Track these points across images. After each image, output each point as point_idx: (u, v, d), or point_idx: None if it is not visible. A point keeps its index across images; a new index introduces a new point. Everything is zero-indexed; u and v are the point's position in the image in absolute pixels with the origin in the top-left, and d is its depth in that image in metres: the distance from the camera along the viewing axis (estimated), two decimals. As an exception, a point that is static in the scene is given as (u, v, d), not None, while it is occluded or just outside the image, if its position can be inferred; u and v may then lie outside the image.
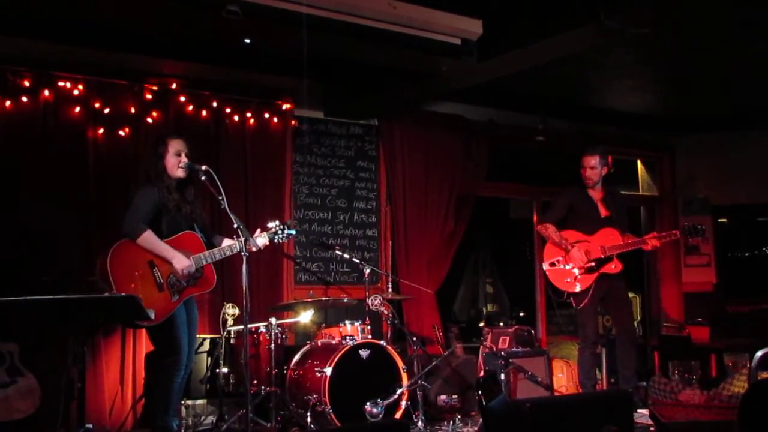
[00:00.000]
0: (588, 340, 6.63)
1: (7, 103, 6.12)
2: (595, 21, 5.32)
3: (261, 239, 5.39)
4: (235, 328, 6.06)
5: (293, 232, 5.65)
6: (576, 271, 6.50)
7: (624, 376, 6.59)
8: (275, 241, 5.50)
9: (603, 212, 6.65)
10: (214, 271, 5.30)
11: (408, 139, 8.01)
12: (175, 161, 5.24)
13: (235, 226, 5.02)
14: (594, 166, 6.62)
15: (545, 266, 6.65)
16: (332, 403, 5.53)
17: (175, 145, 5.26)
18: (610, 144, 8.00)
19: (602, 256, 6.45)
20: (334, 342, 6.04)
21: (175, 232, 5.18)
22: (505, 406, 3.38)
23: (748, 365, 5.60)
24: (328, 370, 5.60)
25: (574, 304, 6.57)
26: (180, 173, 5.26)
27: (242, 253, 4.99)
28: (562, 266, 6.55)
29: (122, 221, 5.07)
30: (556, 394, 6.87)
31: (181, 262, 5.09)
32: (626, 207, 6.98)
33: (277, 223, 5.49)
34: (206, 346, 6.24)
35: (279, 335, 6.06)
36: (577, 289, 6.51)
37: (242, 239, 5.01)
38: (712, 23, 6.11)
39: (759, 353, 5.03)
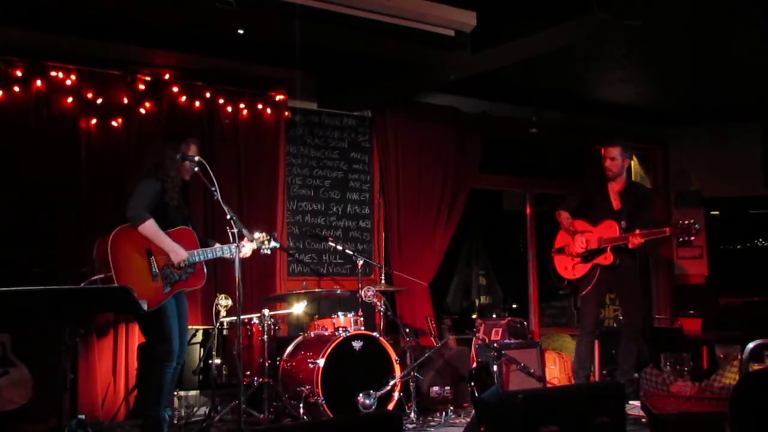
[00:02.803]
0: (586, 329, 6.73)
1: (-1, 93, 6.11)
2: (588, 13, 5.32)
3: (246, 248, 5.42)
4: (228, 319, 6.06)
5: (277, 245, 5.68)
6: (574, 259, 6.69)
7: (622, 369, 6.68)
8: (262, 251, 5.53)
9: (616, 205, 6.70)
10: (205, 268, 5.33)
11: (401, 130, 8.00)
12: (189, 167, 5.31)
13: (228, 217, 5.03)
14: (614, 158, 6.67)
15: (553, 252, 6.87)
16: (325, 395, 5.54)
17: (193, 152, 5.34)
18: (604, 136, 7.99)
19: (597, 247, 6.52)
20: (326, 333, 6.05)
21: (171, 227, 5.20)
22: (497, 398, 3.38)
23: (740, 357, 5.62)
24: (321, 362, 5.61)
25: (579, 292, 6.74)
26: (187, 177, 5.36)
27: (229, 257, 5.06)
28: (567, 253, 6.76)
29: (126, 207, 5.09)
30: (549, 385, 6.89)
31: (178, 255, 5.11)
32: (647, 202, 6.93)
33: (264, 234, 5.51)
34: (199, 337, 6.24)
35: (272, 326, 6.06)
36: (574, 276, 6.70)
37: (234, 245, 5.07)
38: (705, 15, 6.11)
39: (750, 345, 5.05)
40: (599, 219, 6.68)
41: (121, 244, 4.99)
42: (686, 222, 6.26)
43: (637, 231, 6.41)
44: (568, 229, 6.75)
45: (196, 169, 5.21)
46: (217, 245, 5.39)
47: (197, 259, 5.23)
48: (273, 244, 5.51)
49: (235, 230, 5.04)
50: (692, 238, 6.30)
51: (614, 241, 6.50)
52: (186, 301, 5.42)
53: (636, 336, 6.75)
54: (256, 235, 5.46)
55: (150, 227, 5.05)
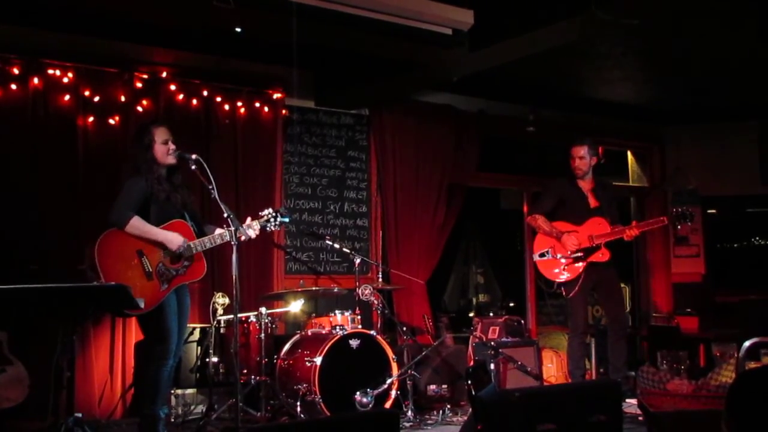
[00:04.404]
0: (577, 329, 6.67)
1: (-4, 90, 6.10)
2: (586, 11, 5.32)
3: (251, 230, 5.33)
4: (225, 317, 6.05)
5: (287, 219, 5.57)
6: (564, 261, 6.54)
7: (614, 366, 6.63)
8: (267, 228, 5.43)
9: (593, 203, 6.67)
10: (204, 259, 5.26)
11: (399, 129, 8.00)
12: (164, 149, 5.18)
13: (225, 215, 5.00)
14: (582, 156, 6.65)
15: (535, 257, 6.69)
16: (322, 393, 5.53)
17: (161, 134, 5.19)
18: (601, 135, 8.03)
19: (590, 245, 6.49)
20: (324, 332, 6.04)
21: (164, 221, 5.14)
22: (494, 396, 3.38)
23: (736, 355, 5.64)
24: (318, 360, 5.60)
25: (564, 293, 6.61)
26: (171, 161, 5.20)
27: (232, 243, 4.97)
28: (551, 256, 6.60)
29: (109, 211, 5.04)
30: (546, 383, 6.90)
31: (173, 242, 5.04)
32: (614, 197, 6.96)
33: (270, 210, 5.44)
34: (196, 335, 6.24)
35: (269, 325, 6.06)
36: (565, 278, 6.56)
37: (232, 228, 4.99)
38: (702, 14, 6.12)
39: (747, 343, 5.06)
40: (581, 218, 6.61)
41: (107, 249, 4.94)
42: (680, 209, 6.26)
43: (634, 223, 6.43)
44: (550, 232, 6.62)
45: (193, 167, 5.15)
46: (218, 230, 5.29)
47: (194, 252, 5.15)
48: (281, 219, 5.41)
49: (232, 228, 5.02)
50: (689, 223, 6.29)
51: (608, 237, 6.47)
52: (188, 298, 5.36)
53: (624, 333, 6.75)
54: (262, 212, 5.41)
55: (136, 225, 4.99)
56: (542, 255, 6.66)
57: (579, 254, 6.51)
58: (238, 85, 7.11)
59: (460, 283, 10.29)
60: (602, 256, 6.51)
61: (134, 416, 5.86)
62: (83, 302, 4.50)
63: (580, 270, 6.54)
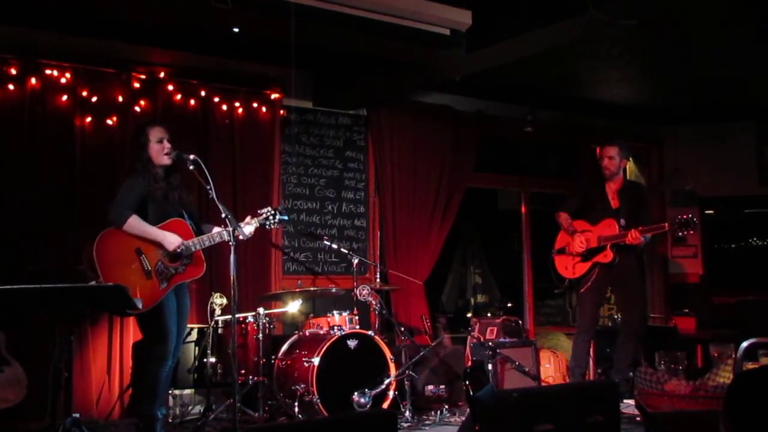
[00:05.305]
0: (582, 326, 6.75)
1: (-6, 90, 6.09)
2: (584, 12, 5.32)
3: (249, 227, 5.33)
4: (223, 317, 6.05)
5: (286, 217, 5.57)
6: (573, 258, 6.70)
7: (617, 367, 6.70)
8: (267, 226, 5.43)
9: (614, 204, 6.72)
10: (203, 258, 5.26)
11: (396, 129, 8.00)
12: (159, 149, 5.17)
13: (223, 215, 4.99)
14: (612, 157, 6.70)
15: (554, 252, 6.88)
16: (320, 393, 5.54)
17: (156, 133, 5.19)
18: (599, 135, 8.02)
19: (597, 246, 6.55)
20: (322, 332, 6.04)
21: (163, 220, 5.13)
22: (492, 397, 3.38)
23: (734, 356, 5.63)
24: (316, 360, 5.60)
25: (578, 290, 6.80)
26: (166, 160, 5.19)
27: (230, 243, 4.96)
28: (567, 253, 6.78)
29: (107, 210, 5.04)
30: (543, 384, 6.89)
31: (171, 243, 5.04)
32: (645, 200, 6.93)
33: (269, 208, 5.44)
34: (194, 335, 6.23)
35: (267, 325, 6.06)
36: (573, 275, 6.71)
37: (230, 228, 4.99)
38: (699, 14, 6.12)
39: (744, 344, 5.06)
40: (598, 218, 6.68)
41: (106, 248, 4.94)
42: (684, 216, 6.27)
43: (640, 227, 6.47)
44: (567, 229, 6.77)
45: (191, 167, 5.15)
46: (215, 229, 5.29)
47: (193, 250, 5.14)
48: (280, 217, 5.42)
49: (230, 228, 5.01)
50: (691, 232, 6.33)
51: (613, 239, 6.51)
52: (188, 298, 5.36)
53: (633, 336, 6.75)
54: (261, 210, 5.41)
55: (134, 224, 4.99)
56: (559, 251, 6.86)
57: (585, 253, 6.62)
58: (235, 85, 7.10)
59: (457, 284, 10.29)
60: (605, 257, 6.55)
61: (132, 417, 5.85)
62: (81, 302, 4.49)
63: (586, 269, 6.65)
